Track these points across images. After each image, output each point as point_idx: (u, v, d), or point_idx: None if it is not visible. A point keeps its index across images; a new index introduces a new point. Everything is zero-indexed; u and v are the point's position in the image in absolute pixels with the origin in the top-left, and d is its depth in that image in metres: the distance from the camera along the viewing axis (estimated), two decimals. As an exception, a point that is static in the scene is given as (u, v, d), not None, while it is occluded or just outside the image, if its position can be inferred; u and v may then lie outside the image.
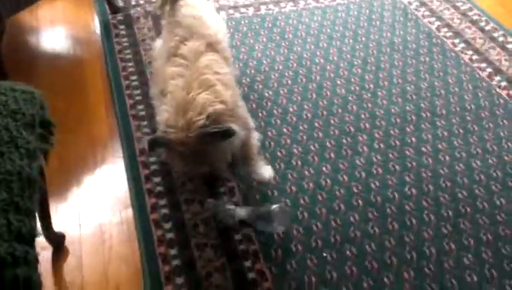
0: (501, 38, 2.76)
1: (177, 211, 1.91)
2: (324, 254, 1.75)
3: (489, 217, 1.86)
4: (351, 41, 2.73)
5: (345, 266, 1.71)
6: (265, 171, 1.92)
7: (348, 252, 1.75)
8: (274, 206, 1.81)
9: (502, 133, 2.18)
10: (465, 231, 1.81)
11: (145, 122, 2.27)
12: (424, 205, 1.90)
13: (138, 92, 2.44)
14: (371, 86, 2.45)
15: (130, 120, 2.29)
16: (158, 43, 2.22)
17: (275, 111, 2.30)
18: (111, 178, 2.09)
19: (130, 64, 2.60)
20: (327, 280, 1.68)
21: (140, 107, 2.35)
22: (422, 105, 2.34)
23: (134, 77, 2.52)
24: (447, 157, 2.09)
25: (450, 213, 1.87)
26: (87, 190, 2.04)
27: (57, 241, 1.81)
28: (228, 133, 1.59)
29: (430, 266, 1.70)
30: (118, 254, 1.81)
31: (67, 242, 1.83)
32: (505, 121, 2.24)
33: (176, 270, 1.72)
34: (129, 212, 1.94)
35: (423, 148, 2.13)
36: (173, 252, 1.78)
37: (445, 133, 2.20)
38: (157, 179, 2.04)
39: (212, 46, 1.86)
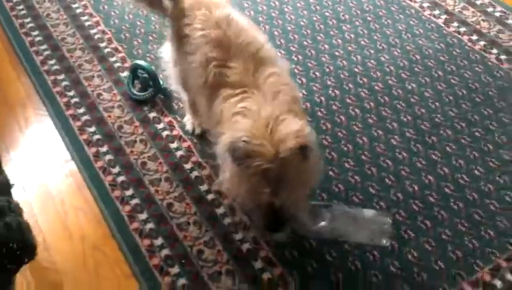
0: None
1: (121, 155, 1.92)
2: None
3: (405, 101, 2.07)
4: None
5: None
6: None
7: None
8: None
9: (400, 27, 2.39)
10: (388, 117, 2.02)
11: (62, 76, 2.20)
12: (348, 102, 2.08)
13: (45, 46, 2.33)
14: (277, 3, 2.54)
15: (45, 76, 2.20)
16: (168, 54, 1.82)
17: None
18: (42, 136, 2.03)
19: (27, 20, 2.45)
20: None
21: (51, 62, 2.26)
22: (326, 14, 2.48)
23: (35, 32, 2.39)
24: (358, 57, 2.26)
25: (372, 104, 2.07)
26: (21, 153, 1.97)
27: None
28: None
29: (365, 153, 1.90)
30: (72, 206, 1.81)
31: (17, 207, 1.79)
32: (400, 16, 2.45)
33: (137, 208, 1.76)
34: (71, 165, 1.92)
35: (336, 53, 2.28)
36: (129, 193, 1.81)
37: (352, 36, 2.36)
38: (91, 129, 2.02)
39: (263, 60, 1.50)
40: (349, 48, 2.31)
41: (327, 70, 2.21)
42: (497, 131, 1.94)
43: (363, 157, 1.87)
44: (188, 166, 1.88)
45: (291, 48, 2.30)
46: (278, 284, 1.56)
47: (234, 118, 1.38)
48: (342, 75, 2.18)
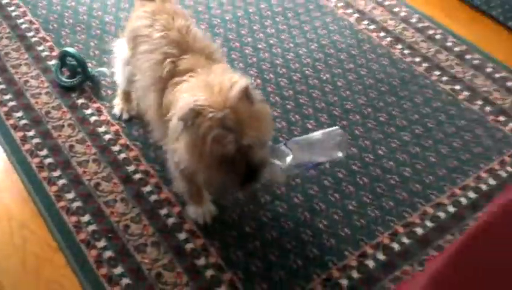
0: None
1: (48, 138, 1.97)
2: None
3: (320, 90, 2.26)
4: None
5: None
6: None
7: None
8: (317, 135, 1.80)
9: (316, 24, 2.59)
10: (304, 104, 2.19)
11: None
12: (269, 90, 2.24)
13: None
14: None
15: (-30, 63, 2.21)
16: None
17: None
18: (-33, 122, 2.04)
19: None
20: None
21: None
22: (250, 10, 2.63)
23: (-41, 20, 2.39)
24: (279, 50, 2.43)
25: (291, 92, 2.24)
26: None
27: None
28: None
29: (283, 135, 2.06)
30: (-2, 188, 1.85)
31: None
32: (317, 13, 2.65)
33: (64, 188, 1.83)
34: (-3, 149, 1.95)
35: (259, 46, 2.44)
36: (56, 174, 1.87)
37: (273, 31, 2.53)
38: (18, 114, 2.05)
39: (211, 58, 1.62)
40: (271, 41, 2.47)
41: (250, 61, 2.36)
42: (399, 116, 2.16)
43: (280, 139, 2.03)
44: (116, 148, 1.96)
45: (217, 41, 2.43)
46: (200, 253, 1.68)
47: (181, 95, 1.46)
48: (263, 66, 2.34)
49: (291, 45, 2.47)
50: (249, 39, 2.47)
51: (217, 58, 1.64)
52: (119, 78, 1.97)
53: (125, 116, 2.05)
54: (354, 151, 2.01)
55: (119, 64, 1.91)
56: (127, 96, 2.02)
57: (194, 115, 1.35)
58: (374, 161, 1.98)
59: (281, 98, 2.21)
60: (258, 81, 2.27)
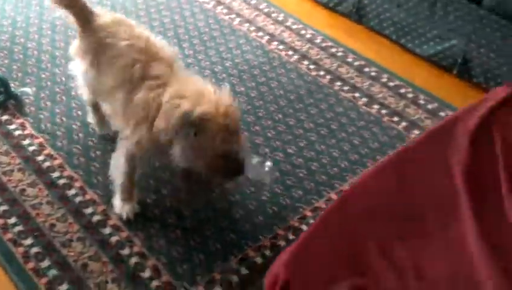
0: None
1: (-28, 152, 2.04)
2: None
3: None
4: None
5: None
6: None
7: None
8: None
9: (231, 45, 2.83)
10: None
11: None
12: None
13: None
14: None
15: None
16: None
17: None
18: None
19: None
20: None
21: None
22: (169, 35, 2.84)
23: None
24: (196, 68, 2.64)
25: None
26: None
27: None
28: None
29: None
30: None
31: None
32: (232, 36, 2.89)
33: None
34: None
35: (177, 65, 2.64)
36: (-19, 183, 1.93)
37: (191, 52, 2.75)
38: None
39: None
40: (189, 60, 2.68)
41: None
42: (306, 120, 2.40)
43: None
44: (40, 158, 2.06)
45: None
46: (124, 244, 1.79)
47: (172, 102, 1.65)
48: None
49: (208, 63, 2.68)
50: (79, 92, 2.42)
51: (179, 66, 1.85)
52: (84, 92, 2.10)
53: (100, 130, 2.17)
54: (266, 151, 2.21)
55: (81, 80, 2.04)
56: (97, 109, 2.13)
57: (204, 119, 1.60)
58: (284, 158, 2.19)
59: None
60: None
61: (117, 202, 1.88)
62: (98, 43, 1.87)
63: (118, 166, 1.85)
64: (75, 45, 1.98)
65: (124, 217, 1.86)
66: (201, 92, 1.67)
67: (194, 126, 1.61)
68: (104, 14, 1.95)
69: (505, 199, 1.40)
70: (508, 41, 2.58)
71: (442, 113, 2.48)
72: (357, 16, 3.11)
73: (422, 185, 1.49)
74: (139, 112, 1.72)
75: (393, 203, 1.45)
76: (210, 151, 1.64)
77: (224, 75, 2.61)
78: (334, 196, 2.05)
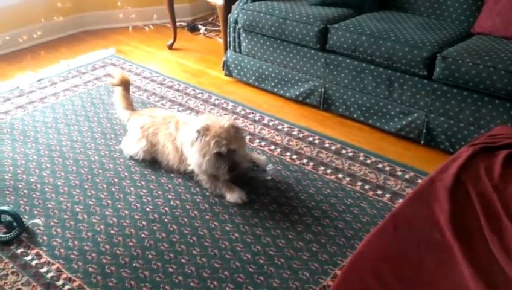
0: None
1: (-6, 288, 2.14)
2: None
3: (155, 249, 2.66)
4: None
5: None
6: None
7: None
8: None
9: (141, 192, 3.07)
10: (140, 264, 2.56)
11: None
12: (104, 262, 2.59)
13: None
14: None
15: None
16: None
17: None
18: None
19: None
20: None
21: None
22: (85, 186, 3.07)
23: None
24: (114, 219, 2.85)
25: (127, 259, 2.61)
26: None
27: None
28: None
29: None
30: None
31: None
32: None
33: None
34: None
35: (94, 220, 2.84)
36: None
37: (110, 202, 2.97)
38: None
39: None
40: (106, 212, 2.62)
41: (85, 237, 2.47)
42: (298, 206, 2.60)
43: None
44: (59, 282, 2.17)
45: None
46: None
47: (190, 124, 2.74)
48: (99, 239, 2.40)
49: (127, 212, 2.57)
50: (85, 216, 2.55)
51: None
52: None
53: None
54: (268, 240, 2.38)
55: (142, 152, 2.98)
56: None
57: (205, 129, 2.57)
58: (286, 243, 2.36)
59: (116, 267, 2.46)
60: (101, 252, 2.34)
61: (228, 195, 2.64)
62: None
63: (210, 185, 2.71)
64: None
65: (240, 202, 2.61)
66: (208, 119, 2.66)
67: (198, 132, 2.56)
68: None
69: (490, 241, 1.62)
70: (463, 107, 2.90)
71: (419, 181, 2.72)
72: (325, 105, 3.43)
73: (417, 243, 1.68)
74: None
75: (397, 266, 1.62)
76: (209, 151, 2.56)
77: (144, 222, 2.50)
78: (338, 272, 2.20)
